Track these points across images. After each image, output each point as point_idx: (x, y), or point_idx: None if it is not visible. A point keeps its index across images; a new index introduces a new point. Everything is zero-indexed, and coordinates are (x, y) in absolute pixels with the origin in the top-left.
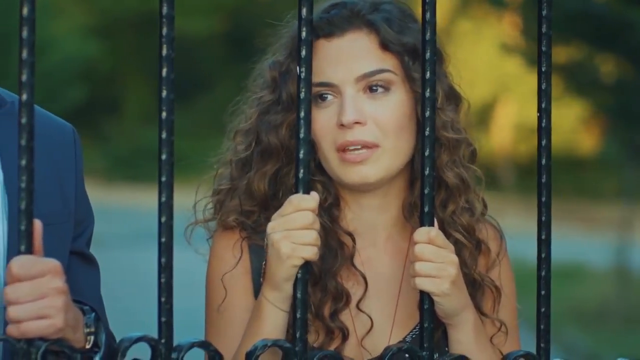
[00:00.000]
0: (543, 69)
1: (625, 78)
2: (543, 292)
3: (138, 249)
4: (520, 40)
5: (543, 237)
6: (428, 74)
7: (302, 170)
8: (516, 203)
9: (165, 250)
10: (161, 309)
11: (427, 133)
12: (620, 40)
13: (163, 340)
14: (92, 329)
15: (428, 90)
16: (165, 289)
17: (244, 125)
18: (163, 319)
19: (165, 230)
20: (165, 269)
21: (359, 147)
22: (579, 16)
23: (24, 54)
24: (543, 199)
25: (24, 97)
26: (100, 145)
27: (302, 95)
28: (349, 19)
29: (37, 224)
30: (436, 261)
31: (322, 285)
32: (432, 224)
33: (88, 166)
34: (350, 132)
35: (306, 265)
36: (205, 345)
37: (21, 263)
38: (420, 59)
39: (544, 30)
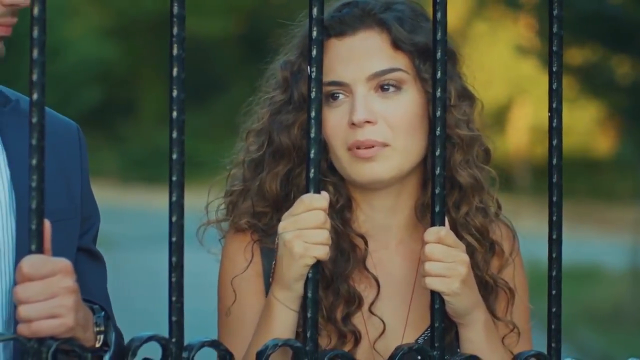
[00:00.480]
0: (554, 69)
1: None
2: (554, 292)
3: (152, 250)
4: (535, 42)
5: (554, 237)
6: (439, 74)
7: (313, 170)
8: (531, 205)
9: (176, 249)
10: (172, 308)
11: (437, 133)
12: (635, 41)
13: (174, 340)
14: (102, 328)
15: (439, 90)
16: (176, 288)
17: (256, 125)
18: (174, 318)
19: (176, 229)
20: (176, 268)
21: (370, 146)
22: (593, 18)
23: (35, 53)
24: (554, 199)
25: (35, 96)
26: (116, 146)
27: (313, 94)
28: (360, 17)
29: (47, 225)
30: (446, 261)
31: (334, 288)
32: (443, 224)
33: (103, 167)
34: (361, 131)
35: (317, 265)
36: (215, 344)
37: (32, 262)
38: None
39: (555, 30)
